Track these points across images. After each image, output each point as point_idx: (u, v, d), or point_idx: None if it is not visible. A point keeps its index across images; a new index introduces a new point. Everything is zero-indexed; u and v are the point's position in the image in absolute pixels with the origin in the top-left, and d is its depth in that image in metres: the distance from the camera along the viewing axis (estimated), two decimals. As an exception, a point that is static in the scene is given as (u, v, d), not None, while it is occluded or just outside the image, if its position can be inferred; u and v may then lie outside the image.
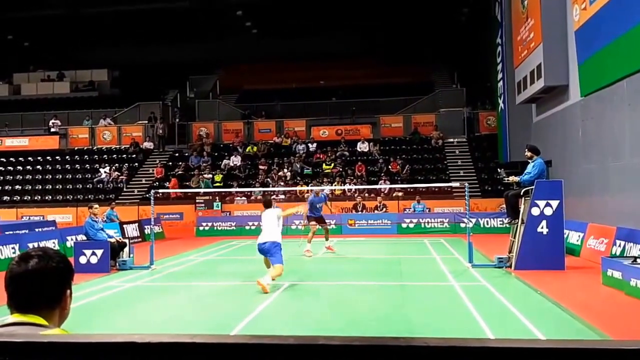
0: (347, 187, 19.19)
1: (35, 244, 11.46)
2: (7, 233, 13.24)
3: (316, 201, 12.89)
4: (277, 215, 8.54)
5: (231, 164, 22.70)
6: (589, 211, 12.62)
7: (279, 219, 8.53)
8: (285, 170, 21.65)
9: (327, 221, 13.43)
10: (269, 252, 8.35)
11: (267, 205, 8.99)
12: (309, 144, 23.53)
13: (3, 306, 1.51)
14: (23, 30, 28.42)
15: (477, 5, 23.51)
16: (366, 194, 19.64)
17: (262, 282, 7.92)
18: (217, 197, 19.85)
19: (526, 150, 9.86)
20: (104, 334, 1.09)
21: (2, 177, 23.65)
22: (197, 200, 19.83)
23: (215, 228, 18.71)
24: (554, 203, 9.38)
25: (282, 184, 20.55)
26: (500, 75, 19.42)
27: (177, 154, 24.51)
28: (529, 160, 9.75)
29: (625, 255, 9.05)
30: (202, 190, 19.65)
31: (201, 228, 18.76)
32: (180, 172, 22.36)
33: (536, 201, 9.40)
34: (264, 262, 8.68)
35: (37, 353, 1.06)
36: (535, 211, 9.41)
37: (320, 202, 13.01)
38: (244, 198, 20.41)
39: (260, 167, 22.02)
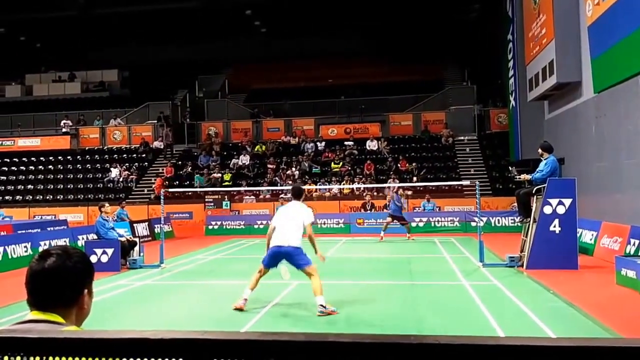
0: (355, 185, 19.16)
1: (47, 243, 11.60)
2: (19, 232, 13.41)
3: (396, 200, 15.37)
4: (303, 220, 6.63)
5: (240, 163, 22.78)
6: (603, 209, 12.48)
7: (302, 227, 6.61)
8: (294, 169, 21.67)
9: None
10: (293, 257, 6.58)
11: (297, 195, 6.89)
12: (318, 143, 23.53)
13: (14, 304, 1.52)
14: (35, 31, 28.76)
15: (488, 2, 23.35)
16: (375, 193, 19.59)
17: (326, 312, 6.37)
18: (226, 196, 19.95)
19: (539, 148, 9.76)
20: (117, 331, 1.10)
21: (14, 177, 23.95)
22: (206, 200, 19.93)
23: (224, 227, 18.81)
24: (567, 201, 9.29)
25: (290, 182, 20.57)
26: (511, 72, 19.27)
27: (186, 154, 24.66)
28: (541, 158, 9.66)
29: (639, 254, 8.94)
30: (198, 190, 19.74)
31: (210, 227, 18.86)
32: (188, 172, 22.49)
33: (548, 199, 9.31)
34: (253, 280, 6.83)
35: (52, 349, 1.07)
36: (547, 209, 9.33)
37: (397, 201, 15.35)
38: (252, 197, 20.48)
39: (269, 166, 22.07)
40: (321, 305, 6.46)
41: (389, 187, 16.82)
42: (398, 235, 16.89)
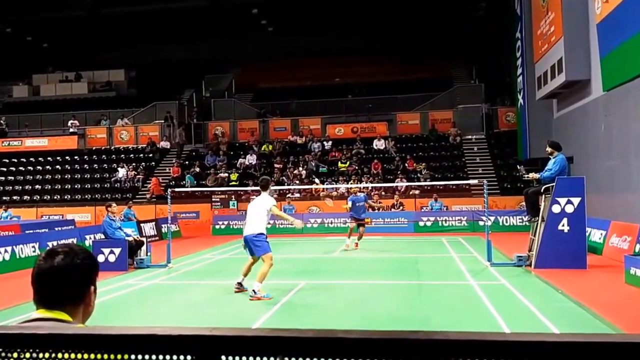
0: (363, 185, 19.12)
1: (55, 243, 11.67)
2: (27, 232, 13.50)
3: (356, 200, 13.18)
4: (267, 209, 7.52)
5: (247, 163, 22.82)
6: (612, 208, 12.39)
7: (269, 213, 7.54)
8: (301, 168, 21.67)
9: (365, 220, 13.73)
10: (252, 243, 7.46)
11: (263, 187, 7.73)
12: (325, 142, 23.52)
13: (23, 303, 1.52)
14: (42, 31, 28.95)
15: None
16: (383, 192, 19.55)
17: (255, 297, 7.12)
18: (233, 196, 19.99)
19: (547, 145, 9.69)
20: (126, 327, 1.10)
21: (22, 177, 24.12)
22: (213, 199, 19.98)
23: (231, 227, 18.83)
24: (576, 200, 9.22)
25: (297, 182, 20.59)
26: (519, 70, 19.16)
27: (193, 153, 24.73)
28: (550, 157, 9.59)
29: (648, 253, 8.85)
30: (205, 190, 19.80)
31: (217, 227, 18.90)
32: (196, 171, 22.57)
33: (557, 198, 9.25)
34: (246, 265, 7.80)
35: (61, 345, 1.07)
36: (556, 208, 9.26)
37: (360, 201, 13.24)
38: (259, 197, 20.49)
39: (276, 165, 22.09)
40: (253, 291, 7.25)
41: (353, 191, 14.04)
42: (404, 235, 16.84)
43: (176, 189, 17.26)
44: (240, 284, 7.75)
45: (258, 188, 8.19)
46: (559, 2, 14.54)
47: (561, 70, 14.53)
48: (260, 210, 7.52)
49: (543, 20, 16.22)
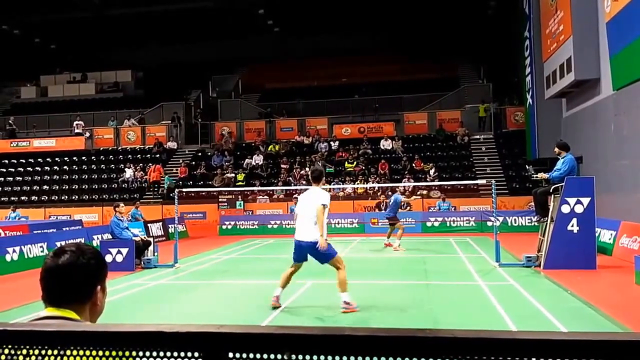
0: (369, 185, 19.10)
1: (63, 243, 11.72)
2: (35, 232, 13.59)
3: (397, 199, 13.65)
4: (321, 204, 6.16)
5: (253, 163, 22.86)
6: (622, 208, 12.28)
7: (324, 210, 6.16)
8: (307, 169, 21.68)
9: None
10: (313, 253, 6.29)
11: (315, 179, 6.38)
12: (331, 142, 23.51)
13: (31, 303, 1.52)
14: (50, 33, 29.21)
15: (504, -2, 23.12)
16: (389, 193, 19.49)
17: (349, 309, 6.29)
18: (239, 196, 20.04)
19: (555, 147, 9.63)
20: (133, 324, 1.09)
21: (30, 178, 24.31)
22: (220, 200, 20.04)
23: (238, 227, 18.88)
24: (585, 200, 9.14)
25: (303, 182, 20.57)
26: (528, 70, 19.06)
27: (199, 154, 24.81)
28: (558, 157, 9.52)
29: (659, 253, 8.76)
30: (212, 190, 19.83)
31: (224, 227, 18.95)
32: (202, 172, 22.64)
33: (566, 198, 9.18)
34: (285, 275, 6.75)
35: (69, 342, 1.07)
36: (565, 209, 9.19)
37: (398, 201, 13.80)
38: (266, 197, 20.54)
39: (282, 166, 22.11)
40: (345, 302, 6.40)
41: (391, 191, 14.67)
42: (411, 235, 16.79)
43: (184, 190, 17.33)
44: (278, 297, 6.61)
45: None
46: (568, 1, 14.45)
47: (570, 69, 14.44)
48: (313, 211, 6.18)
49: (552, 19, 16.12)
